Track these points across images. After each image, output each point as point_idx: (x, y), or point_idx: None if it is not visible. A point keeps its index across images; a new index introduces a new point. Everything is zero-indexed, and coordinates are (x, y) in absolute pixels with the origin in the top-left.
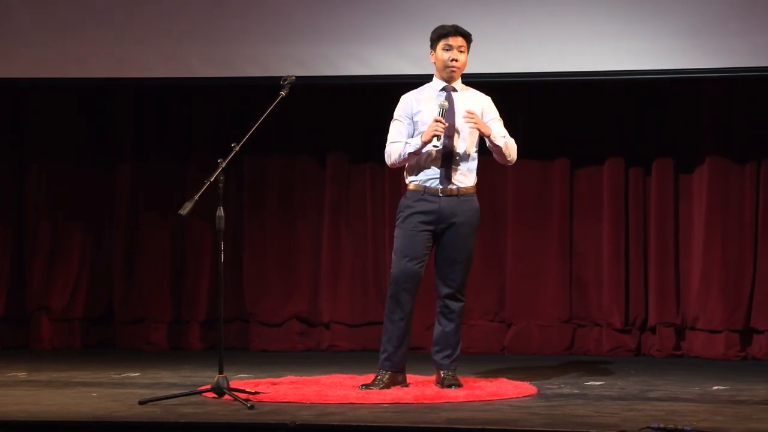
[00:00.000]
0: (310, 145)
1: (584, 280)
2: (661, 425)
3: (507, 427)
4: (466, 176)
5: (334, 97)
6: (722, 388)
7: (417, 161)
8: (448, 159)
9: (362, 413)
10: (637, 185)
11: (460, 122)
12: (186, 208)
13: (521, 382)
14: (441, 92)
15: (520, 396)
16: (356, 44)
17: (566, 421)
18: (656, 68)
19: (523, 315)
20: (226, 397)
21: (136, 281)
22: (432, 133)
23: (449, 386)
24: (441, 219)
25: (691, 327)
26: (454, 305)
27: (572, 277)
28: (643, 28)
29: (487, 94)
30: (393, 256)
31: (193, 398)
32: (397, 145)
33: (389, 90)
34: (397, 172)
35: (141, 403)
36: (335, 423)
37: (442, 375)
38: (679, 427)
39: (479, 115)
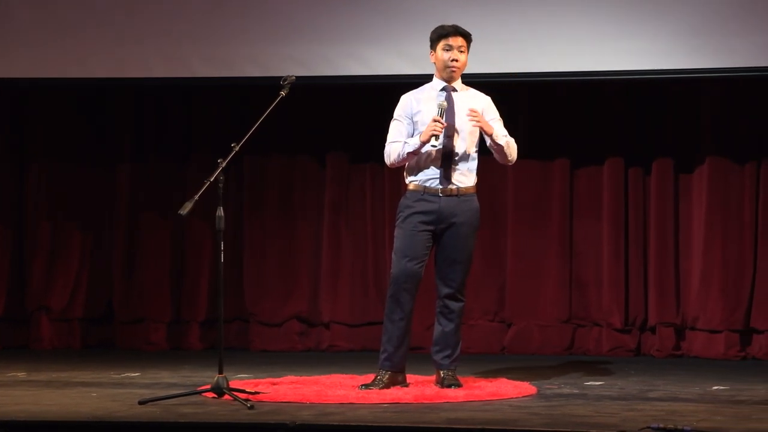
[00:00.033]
0: (310, 145)
1: (584, 280)
2: (661, 425)
3: (507, 427)
4: (466, 176)
5: (333, 97)
6: (722, 388)
7: (417, 161)
8: (447, 159)
9: (362, 413)
10: (636, 185)
11: (460, 122)
12: (186, 208)
13: (521, 382)
14: (441, 92)
15: (520, 396)
16: (356, 44)
17: (566, 421)
18: (656, 68)
19: (523, 315)
20: (226, 397)
21: (136, 281)
22: (430, 133)
23: (449, 386)
24: (441, 219)
25: (691, 327)
26: (454, 305)
27: (572, 277)
28: (643, 28)
29: (487, 94)
30: (393, 256)
31: (193, 398)
32: (397, 144)
33: (389, 90)
34: (397, 172)
35: (141, 403)
36: (335, 423)
37: (442, 375)
38: (679, 427)
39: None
